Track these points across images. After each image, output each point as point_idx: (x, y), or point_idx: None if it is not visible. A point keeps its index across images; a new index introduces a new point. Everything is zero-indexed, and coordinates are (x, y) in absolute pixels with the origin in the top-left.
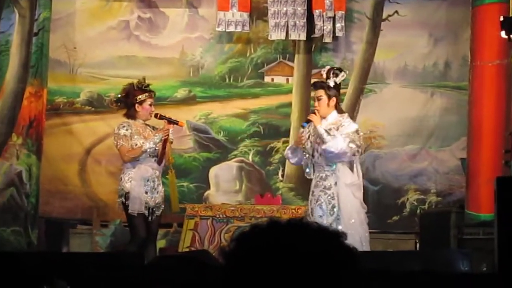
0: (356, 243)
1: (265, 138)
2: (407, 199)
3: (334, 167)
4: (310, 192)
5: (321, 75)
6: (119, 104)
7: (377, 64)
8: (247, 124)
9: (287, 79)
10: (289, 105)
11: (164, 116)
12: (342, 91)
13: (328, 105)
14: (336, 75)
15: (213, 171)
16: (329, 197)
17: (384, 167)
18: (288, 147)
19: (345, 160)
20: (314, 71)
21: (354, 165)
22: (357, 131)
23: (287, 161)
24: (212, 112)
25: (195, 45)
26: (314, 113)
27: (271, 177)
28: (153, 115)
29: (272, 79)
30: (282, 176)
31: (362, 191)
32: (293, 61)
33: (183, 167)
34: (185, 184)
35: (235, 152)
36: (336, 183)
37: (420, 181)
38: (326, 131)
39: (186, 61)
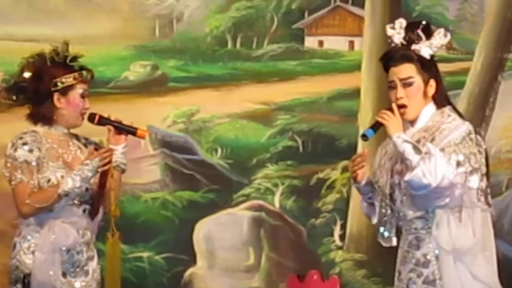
0: None
1: (306, 161)
2: None
3: (431, 220)
4: (396, 273)
5: (415, 34)
6: (15, 95)
7: None
8: (271, 133)
9: (351, 43)
10: (354, 94)
11: (109, 119)
12: (460, 65)
13: (425, 93)
14: (427, 34)
15: (202, 230)
16: (427, 283)
17: None
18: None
19: (451, 201)
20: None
21: (464, 212)
22: (468, 137)
23: (352, 209)
24: (199, 110)
25: None
26: (391, 110)
27: (320, 240)
28: (86, 117)
29: (321, 43)
30: (342, 237)
31: (492, 264)
32: (363, 6)
33: (140, 223)
34: (145, 255)
35: (246, 190)
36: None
37: None
38: (413, 144)
39: (148, 8)
